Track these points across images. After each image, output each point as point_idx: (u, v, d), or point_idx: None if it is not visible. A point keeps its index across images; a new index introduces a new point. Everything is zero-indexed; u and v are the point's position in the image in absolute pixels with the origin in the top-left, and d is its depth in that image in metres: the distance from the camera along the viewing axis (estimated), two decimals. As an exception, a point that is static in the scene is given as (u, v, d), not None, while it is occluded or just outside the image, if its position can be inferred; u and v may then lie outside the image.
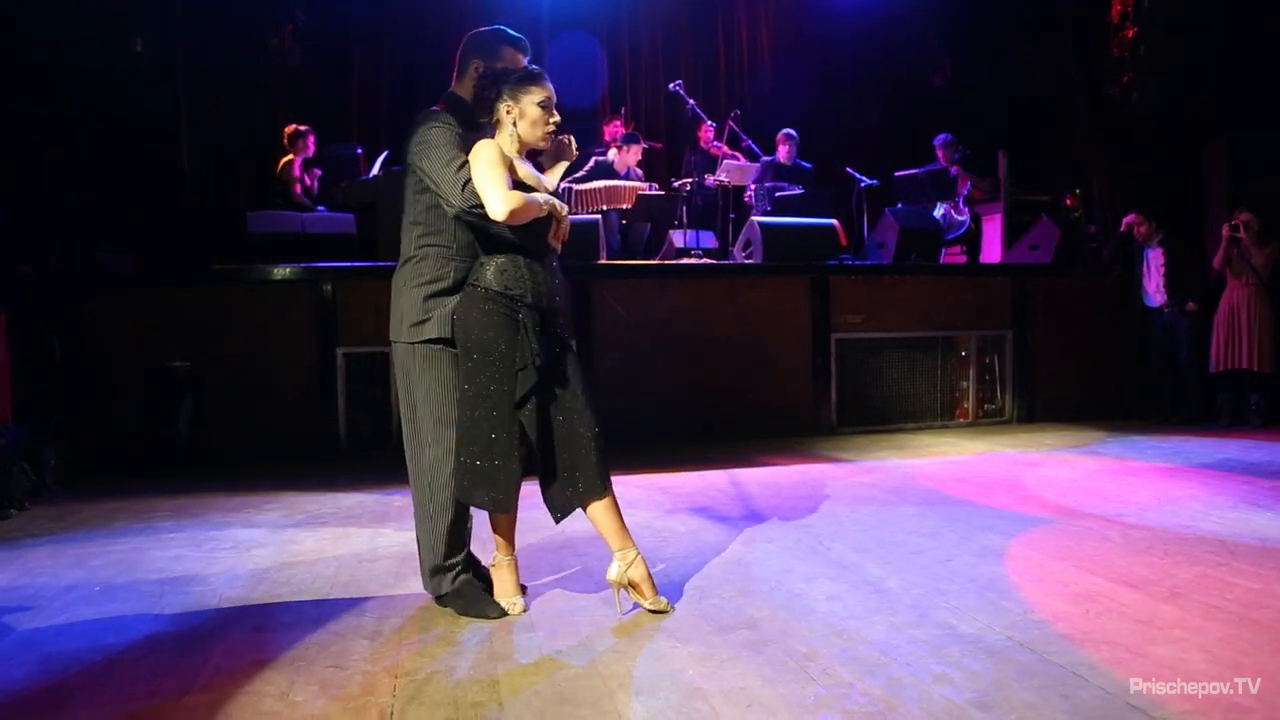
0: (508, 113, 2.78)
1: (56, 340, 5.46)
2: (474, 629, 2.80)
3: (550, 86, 2.83)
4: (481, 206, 2.66)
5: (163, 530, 4.11)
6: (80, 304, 5.59)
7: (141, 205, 6.75)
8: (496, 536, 2.95)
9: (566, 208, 2.85)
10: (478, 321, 2.76)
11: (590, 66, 9.94)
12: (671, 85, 8.56)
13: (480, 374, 2.77)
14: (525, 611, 2.93)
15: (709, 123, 8.71)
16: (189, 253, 6.87)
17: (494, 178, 2.64)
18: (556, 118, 2.84)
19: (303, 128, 7.73)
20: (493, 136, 2.80)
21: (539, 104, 2.79)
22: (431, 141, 2.77)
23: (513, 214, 2.63)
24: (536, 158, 3.00)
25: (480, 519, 3.03)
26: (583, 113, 9.93)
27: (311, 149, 7.79)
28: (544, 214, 2.75)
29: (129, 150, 6.55)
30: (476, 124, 2.89)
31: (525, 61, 2.95)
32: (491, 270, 2.77)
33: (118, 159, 6.42)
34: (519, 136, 2.80)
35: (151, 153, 6.92)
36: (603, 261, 6.48)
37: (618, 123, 8.85)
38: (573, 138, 3.02)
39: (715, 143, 8.82)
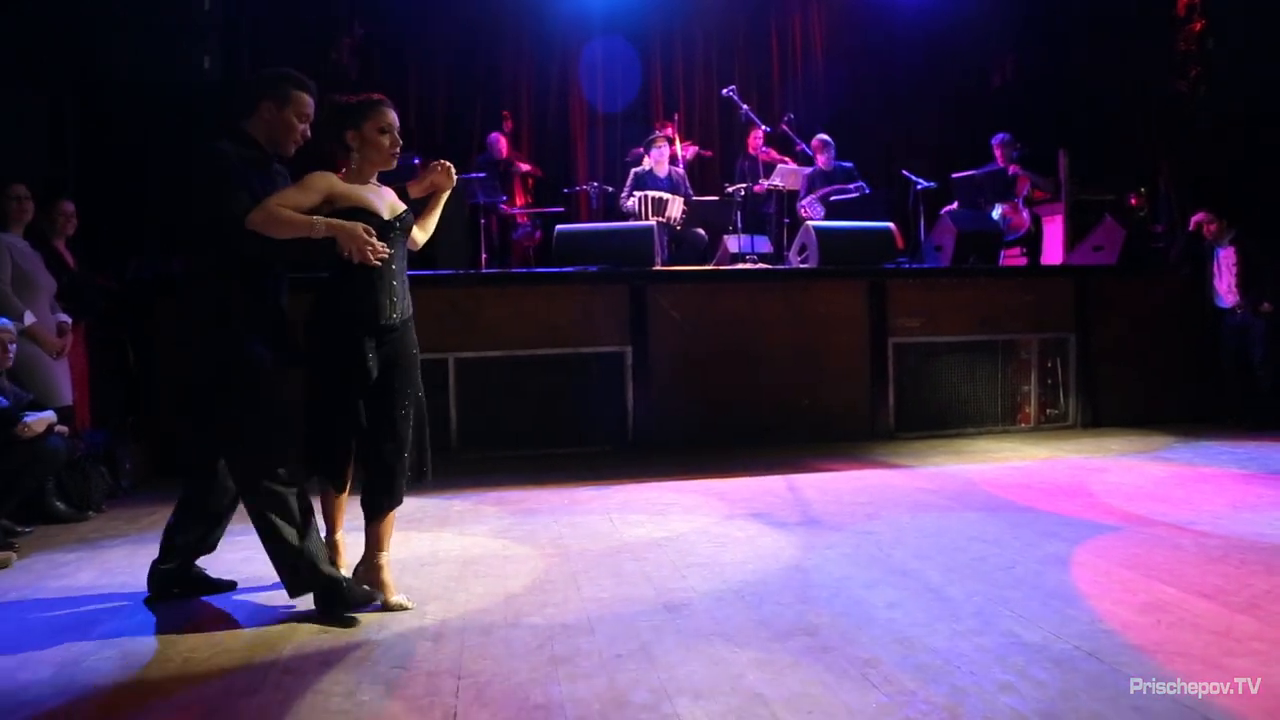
0: (352, 140, 3.00)
1: (131, 346, 5.66)
2: (534, 631, 2.83)
3: (391, 113, 3.04)
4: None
5: (231, 532, 4.17)
6: (154, 311, 5.77)
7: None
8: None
9: (359, 231, 2.92)
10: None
11: (626, 70, 10.00)
12: (725, 91, 8.56)
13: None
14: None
15: (759, 129, 8.69)
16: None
17: (278, 197, 2.90)
18: (399, 141, 3.05)
19: None
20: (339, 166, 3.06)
21: (380, 130, 3.01)
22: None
23: (255, 224, 2.87)
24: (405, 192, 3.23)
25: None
26: (624, 116, 10.01)
27: None
28: (316, 234, 2.88)
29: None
30: (268, 160, 3.12)
31: (311, 102, 3.15)
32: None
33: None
34: (367, 161, 3.03)
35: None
36: (657, 267, 6.50)
37: (670, 128, 8.87)
38: (449, 166, 3.24)
39: (764, 148, 8.79)
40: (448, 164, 3.27)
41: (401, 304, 3.08)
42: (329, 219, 2.91)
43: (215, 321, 3.01)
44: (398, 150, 3.05)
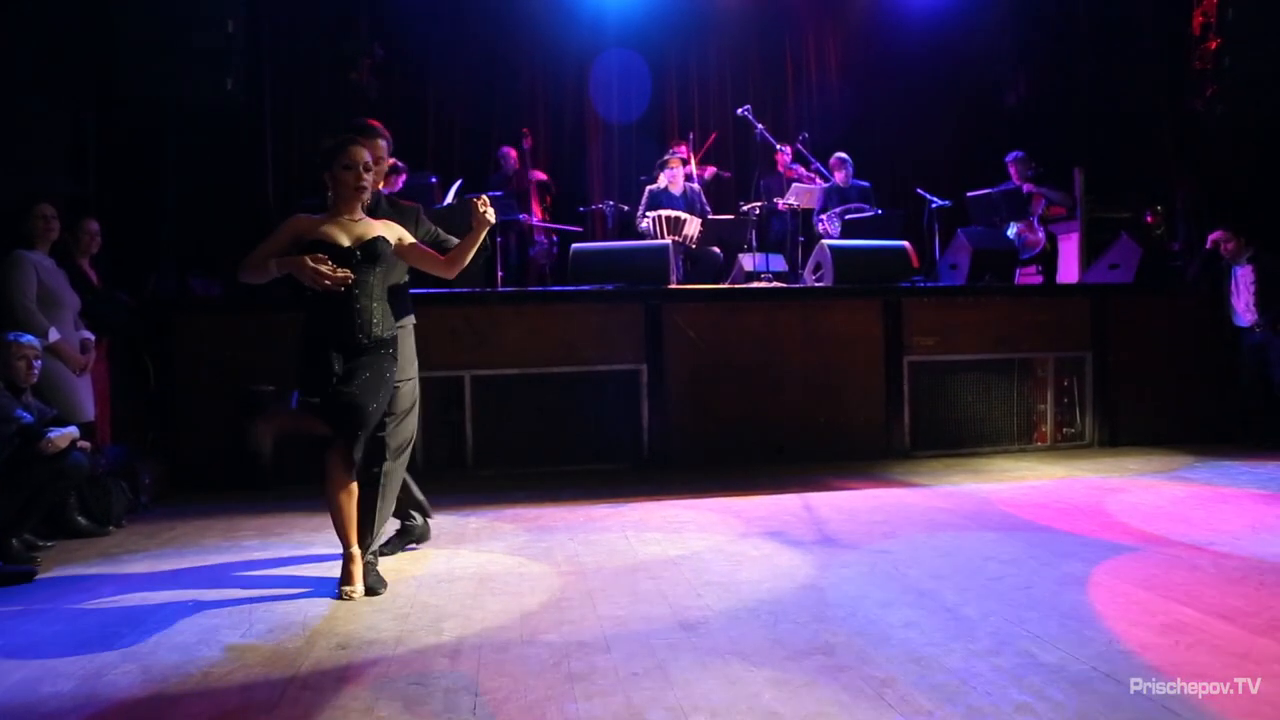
0: (326, 179, 3.37)
1: (151, 363, 5.72)
2: (550, 649, 2.84)
3: (357, 151, 3.35)
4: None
5: (249, 548, 4.26)
6: (173, 328, 5.84)
7: (231, 233, 7.04)
8: None
9: (305, 262, 3.21)
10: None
11: (641, 89, 10.07)
12: (740, 110, 8.60)
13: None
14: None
15: (786, 147, 8.72)
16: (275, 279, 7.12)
17: (259, 248, 3.30)
18: (363, 177, 3.34)
19: (399, 164, 7.90)
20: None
21: (344, 166, 3.34)
22: None
23: (241, 276, 3.31)
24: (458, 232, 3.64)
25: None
26: (639, 135, 10.07)
27: (399, 185, 7.98)
28: (277, 274, 3.25)
29: (219, 181, 6.86)
30: (375, 200, 3.52)
31: (385, 147, 3.66)
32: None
33: (209, 190, 6.73)
34: (338, 196, 3.36)
35: (240, 183, 7.22)
36: (673, 286, 6.52)
37: (684, 148, 8.91)
38: (486, 202, 3.44)
39: (793, 165, 8.82)
40: (486, 198, 3.48)
41: (375, 324, 3.32)
42: (280, 258, 3.24)
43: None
44: (361, 186, 3.34)
